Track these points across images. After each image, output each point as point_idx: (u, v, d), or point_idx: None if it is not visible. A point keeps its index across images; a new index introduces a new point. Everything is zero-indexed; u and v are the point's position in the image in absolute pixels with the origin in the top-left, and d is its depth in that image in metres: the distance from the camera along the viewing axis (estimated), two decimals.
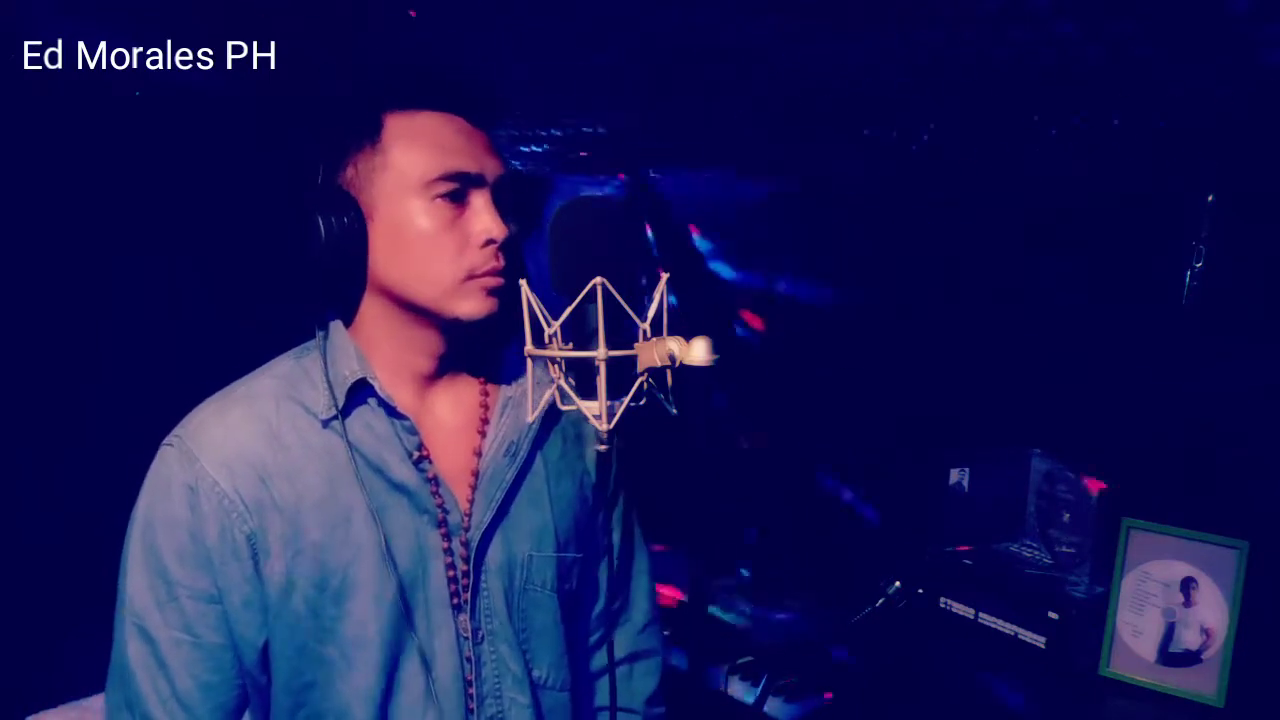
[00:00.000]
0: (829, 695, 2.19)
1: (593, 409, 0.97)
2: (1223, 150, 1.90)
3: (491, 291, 1.15)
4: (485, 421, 1.26)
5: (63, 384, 2.01)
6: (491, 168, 1.16)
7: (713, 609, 2.51)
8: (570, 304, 0.99)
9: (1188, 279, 1.99)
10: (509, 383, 1.28)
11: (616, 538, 1.40)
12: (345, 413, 1.17)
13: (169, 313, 2.16)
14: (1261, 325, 1.91)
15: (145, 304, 2.13)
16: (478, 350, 1.26)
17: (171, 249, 2.15)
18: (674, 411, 0.98)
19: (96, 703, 1.93)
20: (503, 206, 1.16)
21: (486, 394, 1.28)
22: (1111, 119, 1.83)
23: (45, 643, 1.99)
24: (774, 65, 1.74)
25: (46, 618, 1.98)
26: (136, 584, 1.16)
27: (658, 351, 0.94)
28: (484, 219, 1.14)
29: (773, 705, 2.18)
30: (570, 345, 1.00)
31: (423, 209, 1.13)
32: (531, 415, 1.04)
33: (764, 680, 2.22)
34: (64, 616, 1.98)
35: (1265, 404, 1.88)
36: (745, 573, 2.71)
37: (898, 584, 2.14)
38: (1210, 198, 1.96)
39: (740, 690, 2.26)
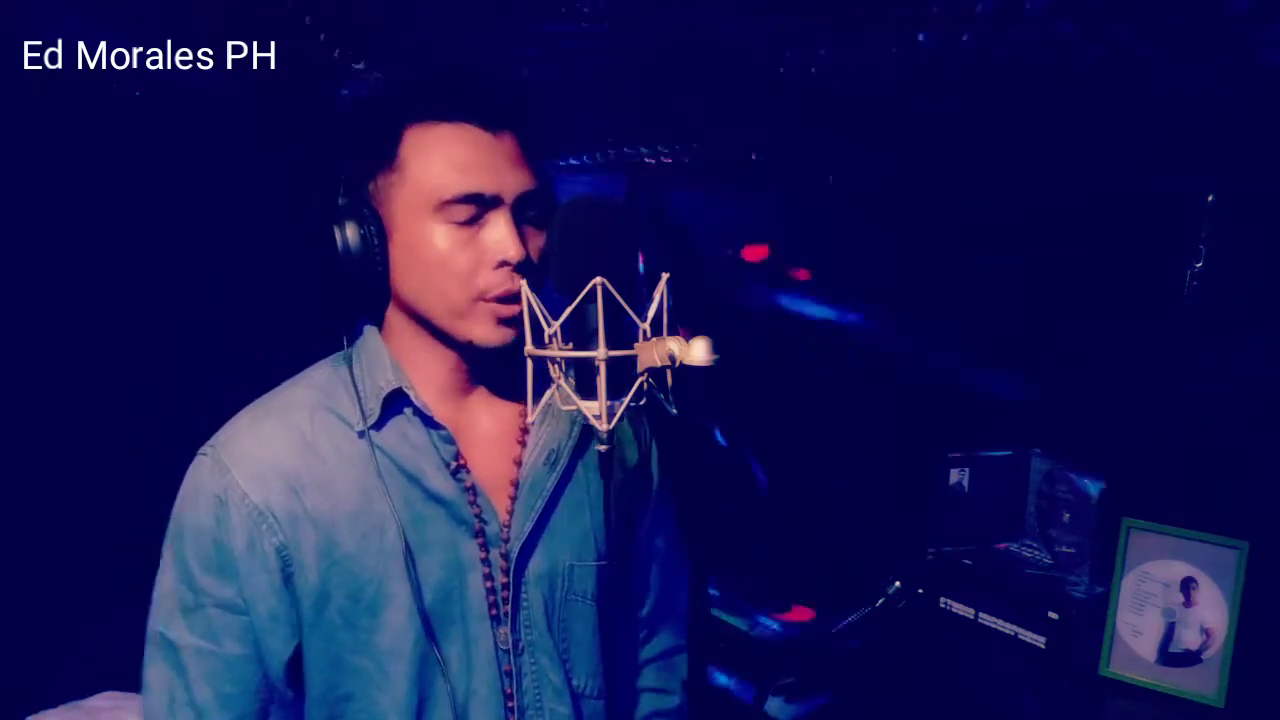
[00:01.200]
0: (829, 695, 2.19)
1: (593, 409, 0.97)
2: (1223, 150, 1.90)
3: (505, 321, 1.12)
4: (525, 430, 1.25)
5: (62, 386, 2.01)
6: (512, 183, 1.12)
7: (713, 609, 2.51)
8: (570, 304, 0.98)
9: (1188, 279, 1.99)
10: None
11: (661, 542, 1.40)
12: (381, 423, 1.16)
13: (168, 314, 2.16)
14: (1261, 325, 1.91)
15: (145, 305, 2.13)
16: (514, 359, 1.25)
17: (172, 250, 2.15)
18: (674, 411, 0.98)
19: (96, 703, 1.93)
20: (523, 224, 1.13)
21: (525, 402, 1.27)
22: (1111, 119, 1.83)
23: (45, 643, 1.99)
24: (773, 65, 1.74)
25: (46, 618, 1.98)
26: (164, 589, 1.16)
27: (658, 351, 0.94)
28: (499, 239, 1.10)
29: (773, 705, 2.18)
30: (570, 345, 0.99)
31: (437, 230, 1.11)
32: (530, 416, 1.04)
33: (764, 680, 2.22)
34: (64, 616, 1.98)
35: (1265, 404, 1.88)
36: (745, 573, 2.71)
37: (898, 584, 2.15)
38: (1210, 198, 1.96)
39: (740, 690, 2.26)
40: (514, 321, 1.13)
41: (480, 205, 1.11)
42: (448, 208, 1.10)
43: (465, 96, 1.13)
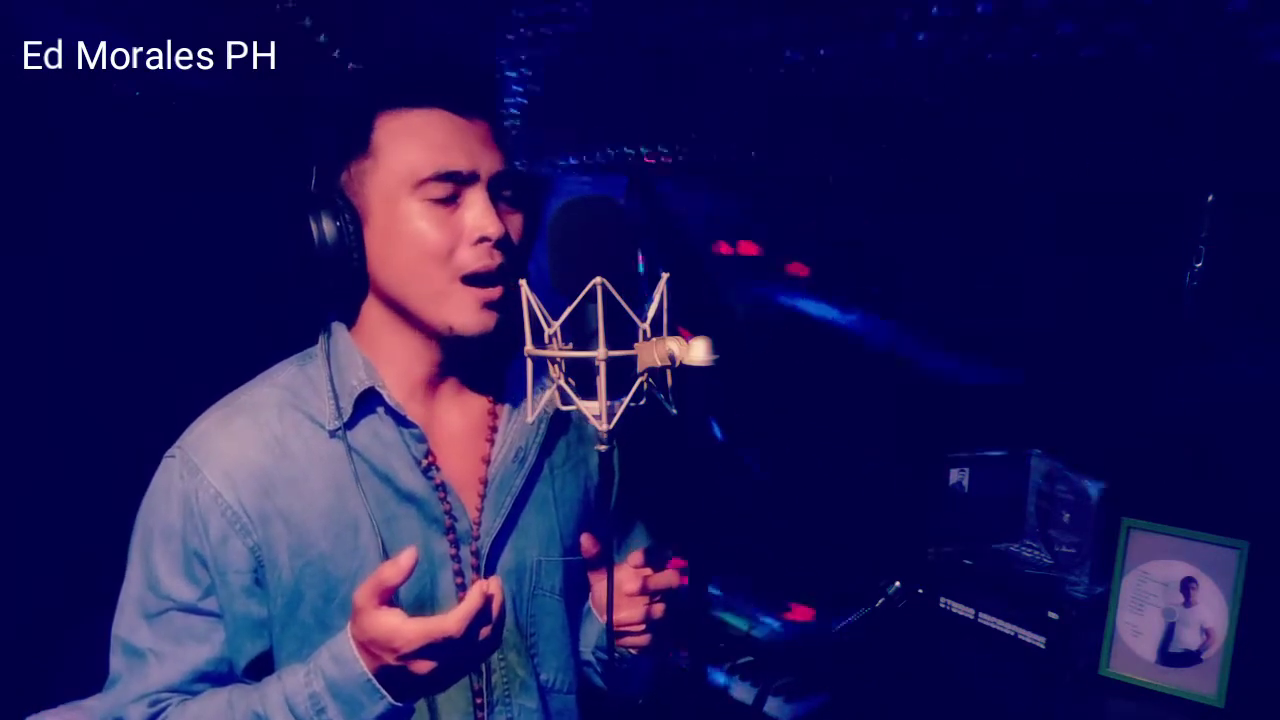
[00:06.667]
0: (829, 695, 2.19)
1: (593, 409, 0.96)
2: (1223, 150, 1.90)
3: (488, 305, 1.13)
4: (493, 429, 1.25)
5: (62, 385, 2.01)
6: (488, 163, 1.13)
7: (713, 609, 2.51)
8: (570, 304, 0.98)
9: (1188, 279, 1.98)
10: (516, 389, 1.27)
11: (637, 540, 1.40)
12: (352, 422, 1.16)
13: (168, 313, 2.15)
14: (1261, 325, 1.91)
15: (144, 305, 2.12)
16: (484, 357, 1.25)
17: (171, 249, 2.15)
18: (674, 411, 0.98)
19: (96, 703, 1.93)
20: (500, 204, 1.14)
21: (494, 401, 1.27)
22: (1112, 119, 1.83)
23: (45, 643, 1.99)
24: (774, 65, 1.74)
25: (46, 618, 1.98)
26: (129, 594, 1.16)
27: (658, 351, 0.94)
28: (477, 216, 1.11)
29: (773, 705, 2.18)
30: (570, 345, 0.99)
31: (415, 209, 1.11)
32: (531, 415, 1.04)
33: (764, 680, 2.22)
34: (64, 616, 1.98)
35: (1265, 404, 1.88)
36: (745, 573, 2.70)
37: (898, 584, 2.15)
38: (1210, 198, 1.95)
39: (740, 690, 2.25)
40: (495, 306, 1.13)
41: (457, 183, 1.12)
42: (425, 186, 1.11)
43: (438, 83, 1.14)
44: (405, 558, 0.99)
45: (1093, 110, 1.82)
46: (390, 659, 0.99)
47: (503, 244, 1.13)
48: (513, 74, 1.81)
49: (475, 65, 1.17)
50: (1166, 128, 1.83)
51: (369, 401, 1.17)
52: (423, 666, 1.00)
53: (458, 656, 1.02)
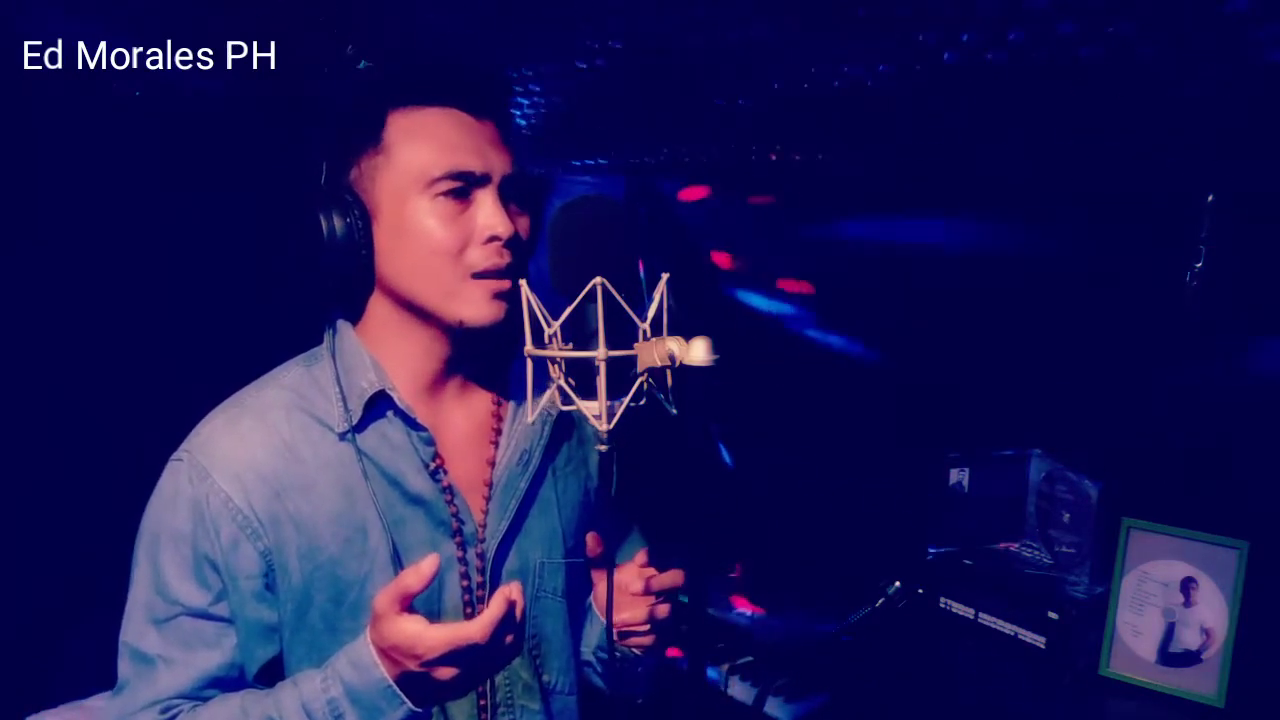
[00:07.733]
0: (829, 695, 2.19)
1: (593, 409, 0.96)
2: (1223, 150, 1.90)
3: (497, 296, 1.13)
4: (497, 431, 1.25)
5: (62, 385, 2.01)
6: (498, 164, 1.14)
7: (713, 609, 2.51)
8: (570, 304, 0.98)
9: (1188, 279, 1.98)
10: (520, 391, 1.28)
11: (637, 541, 1.40)
12: (361, 424, 1.15)
13: (169, 314, 2.15)
14: (1262, 325, 1.91)
15: (145, 305, 2.12)
16: (488, 358, 1.25)
17: (171, 250, 2.15)
18: (674, 411, 0.98)
19: (96, 703, 1.93)
20: (509, 204, 1.15)
21: (498, 402, 1.27)
22: (1111, 119, 1.82)
23: (45, 643, 1.99)
24: (773, 66, 1.74)
25: (46, 618, 1.98)
26: (136, 600, 1.15)
27: (658, 351, 0.94)
28: (488, 215, 1.12)
29: (773, 705, 2.18)
30: (570, 345, 0.99)
31: (426, 207, 1.11)
32: (531, 416, 1.04)
33: (764, 680, 2.22)
34: (64, 616, 1.98)
35: (1265, 404, 1.88)
36: (745, 574, 2.71)
37: (898, 584, 2.14)
38: (1210, 198, 1.95)
39: (740, 690, 2.25)
40: (505, 297, 1.13)
41: (468, 183, 1.12)
42: (437, 184, 1.11)
43: (450, 82, 1.15)
44: (427, 565, 0.99)
45: (1093, 110, 1.82)
46: (412, 665, 1.00)
47: (512, 243, 1.13)
48: (514, 74, 1.81)
49: (486, 65, 1.17)
50: (1166, 128, 1.83)
51: (378, 404, 1.17)
52: (445, 673, 1.00)
53: (480, 663, 1.02)
